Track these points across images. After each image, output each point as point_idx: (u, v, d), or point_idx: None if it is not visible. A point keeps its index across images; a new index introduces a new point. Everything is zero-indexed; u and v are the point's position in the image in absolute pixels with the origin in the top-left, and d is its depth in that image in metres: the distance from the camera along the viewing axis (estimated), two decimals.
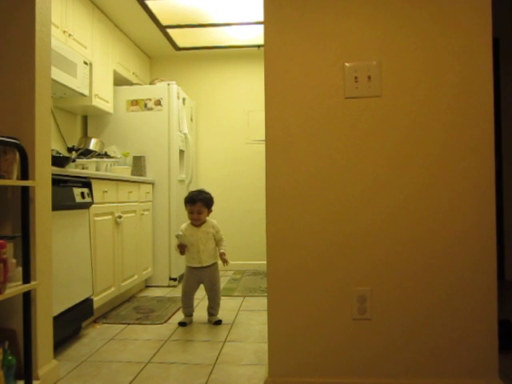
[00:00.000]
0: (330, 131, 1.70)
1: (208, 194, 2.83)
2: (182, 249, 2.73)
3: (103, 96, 3.67)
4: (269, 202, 1.73)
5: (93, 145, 3.65)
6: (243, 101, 4.83)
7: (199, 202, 2.76)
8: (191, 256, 2.76)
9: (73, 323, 2.43)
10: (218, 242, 2.81)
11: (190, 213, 2.78)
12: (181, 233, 2.74)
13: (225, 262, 2.76)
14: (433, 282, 1.67)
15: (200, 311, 2.96)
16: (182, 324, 2.72)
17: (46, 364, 1.87)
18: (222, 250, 2.77)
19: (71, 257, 2.40)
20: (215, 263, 2.81)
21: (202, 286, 2.83)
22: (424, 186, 1.67)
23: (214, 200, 2.87)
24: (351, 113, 1.70)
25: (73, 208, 2.42)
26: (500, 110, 3.74)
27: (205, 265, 2.75)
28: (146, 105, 4.03)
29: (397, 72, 1.68)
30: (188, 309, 2.79)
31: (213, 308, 2.80)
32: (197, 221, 2.77)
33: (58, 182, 2.26)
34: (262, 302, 3.11)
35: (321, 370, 1.70)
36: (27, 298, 1.71)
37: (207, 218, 2.82)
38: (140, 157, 3.95)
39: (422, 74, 1.67)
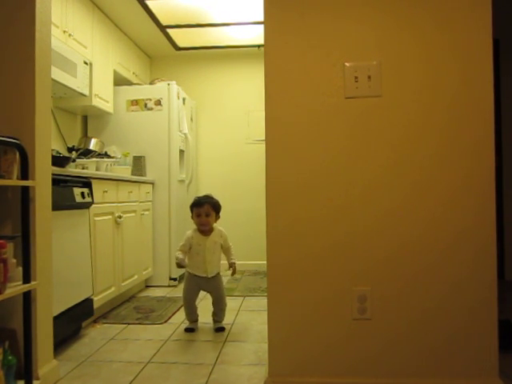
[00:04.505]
0: (330, 131, 1.71)
1: (215, 199, 2.72)
2: (180, 267, 2.65)
3: (103, 96, 3.67)
4: (269, 201, 1.73)
5: (93, 145, 3.65)
6: (243, 101, 4.83)
7: (207, 204, 2.63)
8: (196, 265, 2.64)
9: (73, 323, 2.43)
10: (226, 250, 2.71)
11: (197, 216, 2.63)
12: (181, 256, 2.58)
13: (234, 272, 2.71)
14: (433, 282, 1.66)
15: (200, 311, 2.96)
16: (189, 330, 2.61)
17: (46, 364, 1.86)
18: (232, 261, 2.70)
19: (71, 257, 2.40)
20: (218, 272, 2.71)
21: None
22: (424, 185, 1.67)
23: None
24: (351, 113, 1.70)
25: (73, 208, 2.42)
26: (500, 110, 3.75)
27: (210, 275, 2.64)
28: (146, 105, 4.03)
29: (397, 72, 1.68)
30: (192, 315, 2.69)
31: (217, 314, 2.70)
32: (205, 225, 2.62)
33: (58, 181, 2.26)
34: (262, 302, 3.11)
35: (321, 370, 1.70)
36: (27, 297, 1.70)
37: (214, 224, 2.69)
38: (140, 157, 3.95)
39: (422, 73, 1.67)
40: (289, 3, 1.71)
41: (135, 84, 4.29)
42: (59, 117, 3.57)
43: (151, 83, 4.32)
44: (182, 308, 3.06)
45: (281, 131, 1.72)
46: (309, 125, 1.71)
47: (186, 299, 2.70)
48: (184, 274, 2.81)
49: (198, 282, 2.67)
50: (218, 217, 2.70)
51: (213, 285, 2.68)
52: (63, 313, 2.27)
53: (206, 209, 2.62)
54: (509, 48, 3.79)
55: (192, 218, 2.71)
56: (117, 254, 3.09)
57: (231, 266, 2.71)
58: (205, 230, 2.65)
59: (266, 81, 1.74)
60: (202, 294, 2.89)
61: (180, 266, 2.61)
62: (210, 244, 2.64)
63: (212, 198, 2.72)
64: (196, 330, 2.64)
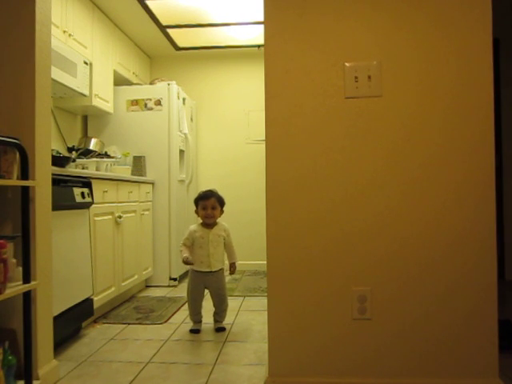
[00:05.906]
0: (330, 131, 1.71)
1: (220, 194, 2.74)
2: (187, 264, 2.62)
3: (103, 96, 3.67)
4: (269, 201, 1.73)
5: (93, 145, 3.65)
6: (243, 101, 4.83)
7: (213, 198, 2.66)
8: (199, 260, 2.61)
9: (73, 323, 2.43)
10: (227, 246, 2.70)
11: (203, 209, 2.64)
12: (186, 254, 2.57)
13: (233, 272, 2.71)
14: (433, 282, 1.66)
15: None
16: (194, 331, 2.59)
17: (46, 364, 1.87)
18: (233, 261, 2.71)
19: (71, 257, 2.40)
20: (222, 268, 2.70)
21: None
22: (424, 185, 1.67)
23: None
24: (351, 113, 1.70)
25: (73, 208, 2.42)
26: (500, 110, 3.75)
27: (213, 269, 2.62)
28: (146, 105, 4.03)
29: (397, 72, 1.68)
30: (197, 316, 2.66)
31: (218, 314, 2.68)
32: (210, 218, 2.63)
33: (58, 181, 2.26)
34: (262, 302, 3.11)
35: (321, 370, 1.70)
36: (27, 297, 1.71)
37: (218, 219, 2.70)
38: (140, 157, 3.95)
39: (421, 73, 1.67)
40: (289, 3, 1.71)
41: (135, 84, 4.29)
42: (59, 117, 3.57)
43: (151, 83, 4.32)
44: (182, 308, 3.08)
45: (281, 131, 1.72)
46: (309, 125, 1.71)
47: (190, 299, 2.67)
48: (185, 272, 2.80)
49: (203, 279, 2.64)
50: (222, 211, 2.72)
51: (216, 279, 2.65)
52: (63, 313, 2.27)
53: (212, 202, 2.65)
54: (509, 48, 3.79)
55: (196, 212, 2.72)
56: (117, 254, 3.09)
57: (232, 265, 2.72)
58: (209, 222, 2.66)
59: (265, 81, 1.74)
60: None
61: (187, 263, 2.59)
62: (214, 237, 2.64)
63: (217, 192, 2.74)
64: (201, 331, 2.61)
